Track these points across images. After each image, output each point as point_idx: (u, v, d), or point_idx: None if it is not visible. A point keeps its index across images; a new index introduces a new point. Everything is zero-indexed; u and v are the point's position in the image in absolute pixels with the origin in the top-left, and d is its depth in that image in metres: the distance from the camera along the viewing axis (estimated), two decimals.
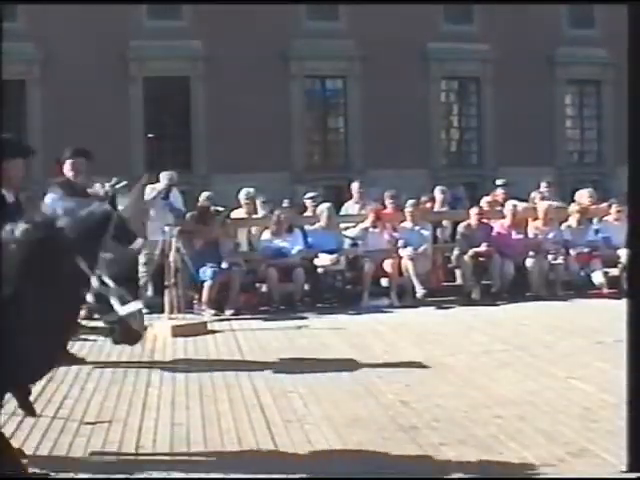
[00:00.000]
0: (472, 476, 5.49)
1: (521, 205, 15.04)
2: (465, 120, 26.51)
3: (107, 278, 5.15)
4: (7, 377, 5.20)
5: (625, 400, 5.22)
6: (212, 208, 14.08)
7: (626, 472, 5.10)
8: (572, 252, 14.28)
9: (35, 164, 14.31)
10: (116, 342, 5.48)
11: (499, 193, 16.08)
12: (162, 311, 11.69)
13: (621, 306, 5.66)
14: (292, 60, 24.20)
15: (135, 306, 5.26)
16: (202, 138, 23.81)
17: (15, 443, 5.93)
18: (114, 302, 5.17)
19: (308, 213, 15.20)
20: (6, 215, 5.85)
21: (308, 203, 15.44)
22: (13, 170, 6.97)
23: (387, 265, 13.75)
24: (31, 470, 5.43)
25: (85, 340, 9.67)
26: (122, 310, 5.20)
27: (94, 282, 5.14)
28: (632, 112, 4.78)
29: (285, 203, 15.68)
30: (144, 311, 5.40)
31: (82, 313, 5.63)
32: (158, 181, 13.48)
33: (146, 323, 5.41)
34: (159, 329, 10.95)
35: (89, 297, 5.16)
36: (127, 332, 5.29)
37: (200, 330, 11.33)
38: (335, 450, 6.10)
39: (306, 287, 13.76)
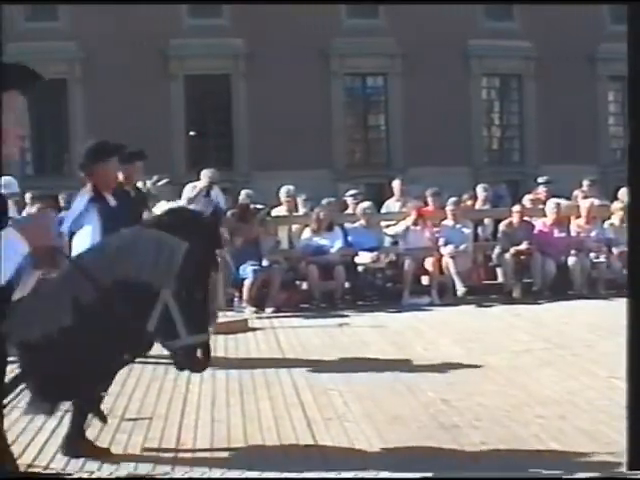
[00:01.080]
0: (513, 475, 5.45)
1: (563, 203, 14.93)
2: (507, 117, 26.42)
3: (175, 304, 4.95)
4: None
5: None
6: (252, 206, 14.10)
7: (625, 471, 5.04)
8: (615, 250, 14.15)
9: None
10: (181, 369, 5.41)
11: (541, 191, 15.96)
12: None
13: None
14: (333, 58, 24.24)
15: (202, 338, 5.11)
16: (243, 136, 23.91)
17: (56, 440, 5.99)
18: (180, 328, 4.97)
19: (349, 211, 15.18)
20: (111, 219, 5.89)
21: (349, 201, 15.42)
22: (110, 172, 7.03)
23: (428, 263, 13.72)
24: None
25: None
26: (189, 339, 5.02)
27: (159, 306, 4.94)
28: (632, 112, 4.73)
29: (330, 201, 15.62)
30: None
31: None
32: (199, 179, 13.53)
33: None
34: None
35: (153, 318, 4.94)
36: (193, 361, 5.17)
37: (241, 327, 11.36)
38: (375, 448, 6.09)
39: (347, 285, 13.76)
